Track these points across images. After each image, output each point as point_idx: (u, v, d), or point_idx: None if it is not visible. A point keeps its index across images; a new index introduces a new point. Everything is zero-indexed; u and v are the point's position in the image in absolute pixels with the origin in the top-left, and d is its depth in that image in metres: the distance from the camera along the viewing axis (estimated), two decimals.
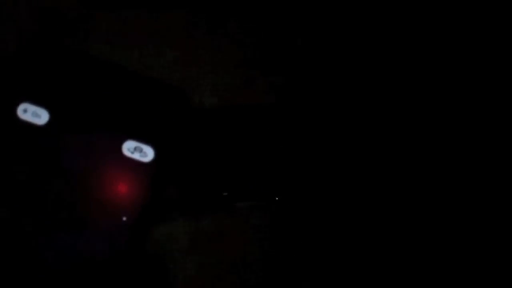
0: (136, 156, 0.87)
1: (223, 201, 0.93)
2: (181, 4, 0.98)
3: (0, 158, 0.85)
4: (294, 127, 0.98)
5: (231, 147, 0.95)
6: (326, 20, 1.03)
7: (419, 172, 0.99)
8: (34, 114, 0.87)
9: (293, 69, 1.00)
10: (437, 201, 0.98)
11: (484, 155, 1.00)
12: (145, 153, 0.87)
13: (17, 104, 0.87)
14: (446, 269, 0.96)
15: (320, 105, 1.00)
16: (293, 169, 0.96)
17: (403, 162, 0.99)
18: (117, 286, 0.82)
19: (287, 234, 0.94)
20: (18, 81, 0.88)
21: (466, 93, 1.02)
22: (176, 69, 0.96)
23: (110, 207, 0.85)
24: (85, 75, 0.89)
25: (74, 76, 0.89)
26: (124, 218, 0.85)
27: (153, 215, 0.88)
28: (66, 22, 0.94)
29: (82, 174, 0.86)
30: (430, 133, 1.01)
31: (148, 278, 0.88)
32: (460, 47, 1.04)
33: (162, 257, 0.90)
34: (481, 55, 1.04)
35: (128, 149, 0.87)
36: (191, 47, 0.98)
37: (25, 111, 0.87)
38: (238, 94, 0.97)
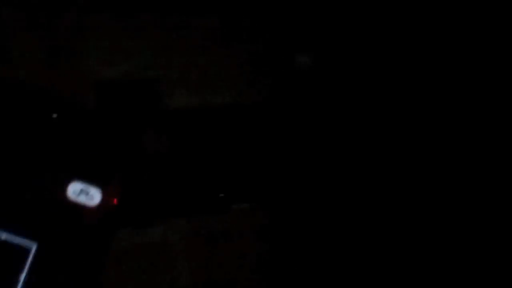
0: (82, 199, 0.82)
1: (219, 202, 0.92)
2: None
3: None
4: (289, 129, 0.97)
5: (227, 148, 0.93)
6: (317, 21, 1.03)
7: (415, 174, 0.99)
8: None
9: (286, 71, 1.00)
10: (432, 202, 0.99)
11: (484, 155, 1.00)
12: (92, 196, 0.82)
13: None
14: (444, 269, 0.97)
15: (315, 106, 0.99)
16: (288, 171, 0.95)
17: (398, 165, 0.99)
18: None
19: (284, 235, 0.94)
20: None
21: (466, 93, 1.02)
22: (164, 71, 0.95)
23: (54, 254, 0.80)
24: (25, 109, 0.84)
25: (13, 110, 0.83)
26: (69, 267, 0.80)
27: (102, 259, 0.83)
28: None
29: (25, 220, 0.80)
30: (428, 133, 1.01)
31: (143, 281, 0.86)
32: (460, 47, 1.03)
33: (158, 260, 0.88)
34: (481, 55, 1.03)
35: (74, 192, 0.82)
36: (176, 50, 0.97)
37: None
38: (235, 95, 0.96)
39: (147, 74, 0.94)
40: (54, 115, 0.83)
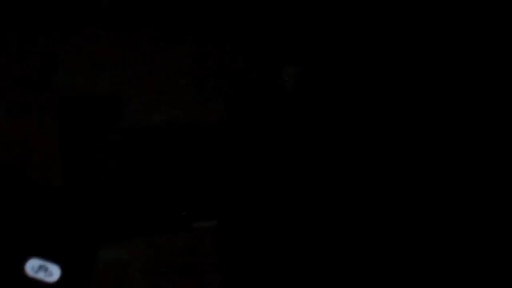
0: (41, 275, 0.80)
1: (181, 221, 0.91)
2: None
3: None
4: (248, 149, 0.96)
5: (188, 167, 0.92)
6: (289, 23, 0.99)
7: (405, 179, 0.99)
8: None
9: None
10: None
11: (484, 155, 0.98)
12: (51, 272, 0.81)
13: None
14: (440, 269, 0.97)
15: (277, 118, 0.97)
16: (250, 189, 0.95)
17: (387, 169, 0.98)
18: None
19: (244, 254, 0.94)
20: None
21: (466, 93, 0.99)
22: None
23: None
24: None
25: None
26: None
27: None
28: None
29: None
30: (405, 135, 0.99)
31: None
32: (460, 47, 1.00)
33: (118, 278, 0.87)
34: (481, 55, 0.99)
35: (32, 268, 0.80)
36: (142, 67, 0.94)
37: None
38: (192, 111, 0.94)
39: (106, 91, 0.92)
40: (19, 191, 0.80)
